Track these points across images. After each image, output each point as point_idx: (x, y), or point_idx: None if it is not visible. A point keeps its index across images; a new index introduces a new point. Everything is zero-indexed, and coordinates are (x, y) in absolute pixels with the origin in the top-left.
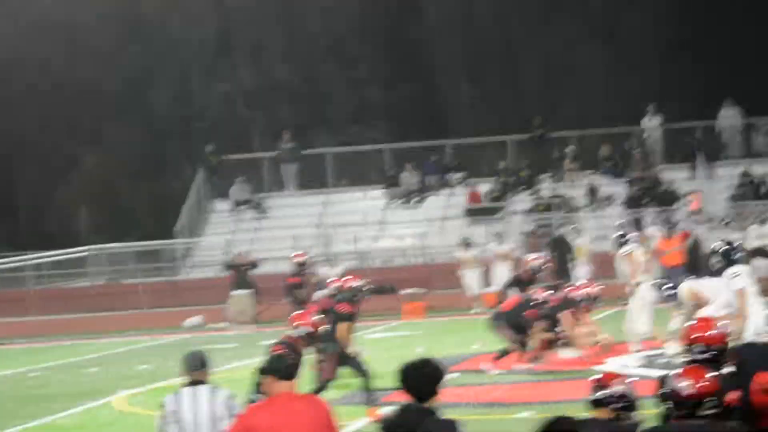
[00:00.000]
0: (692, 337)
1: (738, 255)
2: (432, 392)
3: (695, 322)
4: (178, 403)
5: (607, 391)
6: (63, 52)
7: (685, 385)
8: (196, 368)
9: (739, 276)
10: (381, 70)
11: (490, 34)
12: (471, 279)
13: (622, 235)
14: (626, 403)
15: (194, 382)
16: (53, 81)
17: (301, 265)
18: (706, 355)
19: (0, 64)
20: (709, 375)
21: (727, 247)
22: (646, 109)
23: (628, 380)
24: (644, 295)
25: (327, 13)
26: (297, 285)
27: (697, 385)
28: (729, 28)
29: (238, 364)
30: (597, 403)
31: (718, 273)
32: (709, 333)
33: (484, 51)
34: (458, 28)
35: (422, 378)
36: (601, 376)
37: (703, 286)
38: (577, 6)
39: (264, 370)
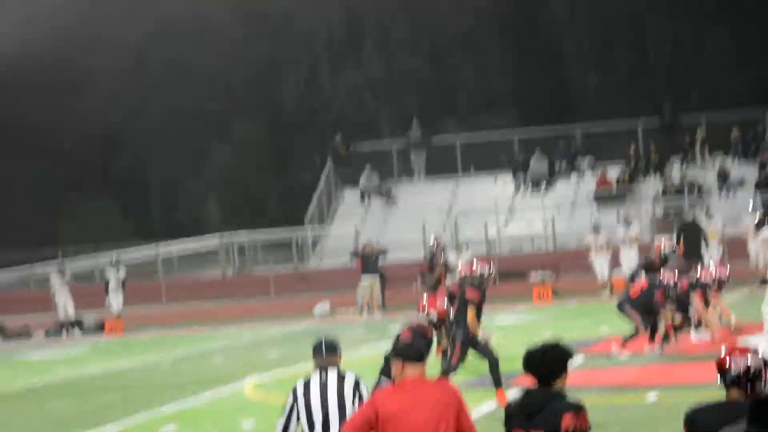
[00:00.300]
0: None
1: None
2: (557, 375)
3: None
4: (307, 388)
5: (734, 368)
6: (191, 47)
7: None
8: (326, 353)
9: None
10: (509, 57)
11: (617, 19)
12: (601, 264)
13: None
14: (754, 376)
15: (323, 368)
16: (182, 75)
17: (434, 250)
18: None
19: (130, 59)
20: None
21: None
22: None
23: (753, 352)
24: None
25: (454, 1)
26: (427, 271)
27: None
28: None
29: (366, 350)
30: (730, 382)
31: None
32: None
33: (612, 36)
34: (585, 13)
35: (547, 361)
36: (725, 353)
37: None
38: None
39: (393, 354)
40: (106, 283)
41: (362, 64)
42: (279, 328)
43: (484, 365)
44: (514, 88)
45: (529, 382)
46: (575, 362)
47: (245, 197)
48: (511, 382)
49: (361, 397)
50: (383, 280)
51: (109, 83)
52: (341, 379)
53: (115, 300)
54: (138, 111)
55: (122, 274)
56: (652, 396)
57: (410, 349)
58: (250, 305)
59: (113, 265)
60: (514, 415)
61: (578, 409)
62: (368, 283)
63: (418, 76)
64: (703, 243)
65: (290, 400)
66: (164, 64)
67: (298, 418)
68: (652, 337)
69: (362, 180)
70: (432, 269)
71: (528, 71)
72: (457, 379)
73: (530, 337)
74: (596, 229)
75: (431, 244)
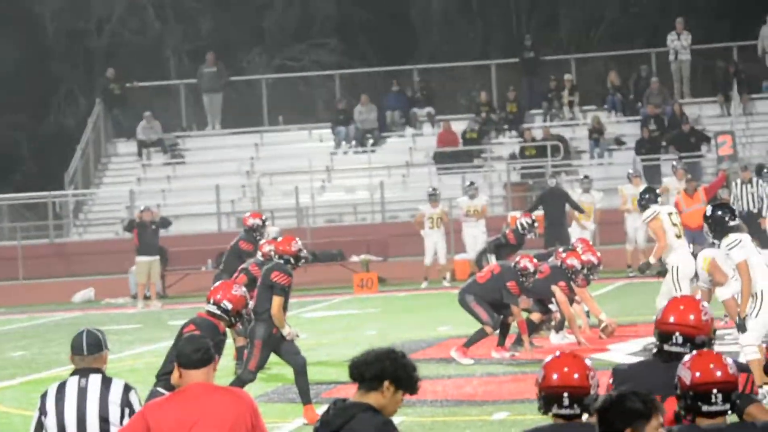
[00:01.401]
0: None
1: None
2: (379, 385)
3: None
4: (60, 395)
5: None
6: None
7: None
8: (87, 352)
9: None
10: None
11: None
12: (435, 242)
13: (647, 192)
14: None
15: (84, 371)
16: None
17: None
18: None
19: None
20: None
21: (719, 211)
22: (670, 26)
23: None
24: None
25: None
26: (249, 253)
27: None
28: None
29: (142, 349)
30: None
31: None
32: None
33: None
34: None
35: (374, 365)
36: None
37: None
38: None
39: (175, 357)
40: None
41: None
42: (28, 320)
43: (289, 371)
44: (338, 14)
45: (338, 393)
46: None
47: None
48: (325, 393)
49: (131, 408)
50: (164, 260)
51: None
52: (106, 385)
53: None
54: None
55: None
56: (501, 414)
57: (192, 349)
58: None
59: None
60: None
61: (384, 428)
62: (145, 263)
63: None
64: (567, 217)
65: (36, 413)
66: None
67: None
68: (502, 340)
69: (140, 129)
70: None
71: None
72: (253, 387)
73: (351, 335)
74: (432, 197)
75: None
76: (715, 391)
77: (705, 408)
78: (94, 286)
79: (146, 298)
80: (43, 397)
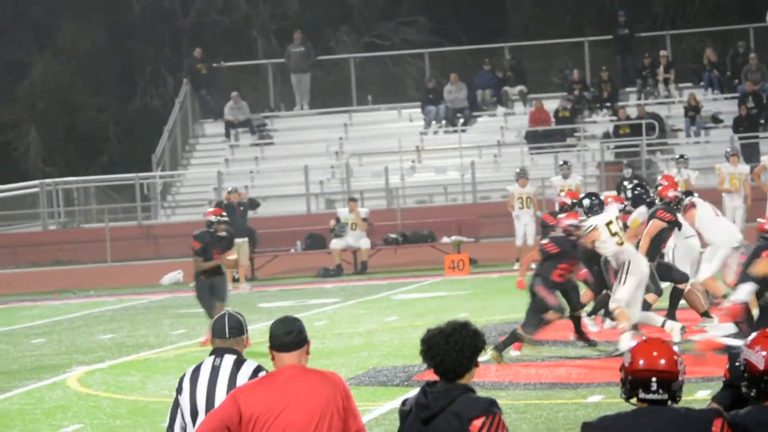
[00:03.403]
0: None
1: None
2: (466, 368)
3: None
4: (196, 374)
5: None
6: None
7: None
8: (229, 334)
9: None
10: None
11: None
12: (527, 224)
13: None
14: None
15: (221, 351)
16: None
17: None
18: None
19: None
20: None
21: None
22: None
23: None
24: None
25: None
26: None
27: None
28: None
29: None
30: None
31: None
32: None
33: None
34: None
35: (452, 349)
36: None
37: None
38: None
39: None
40: None
41: None
42: (116, 303)
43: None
44: None
45: (430, 376)
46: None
47: (74, 128)
48: (417, 377)
49: None
50: (253, 242)
51: None
52: (238, 365)
53: None
54: None
55: None
56: (595, 397)
57: (284, 333)
58: (79, 271)
59: None
60: (408, 419)
61: (491, 411)
62: (234, 245)
63: None
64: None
65: (175, 394)
66: None
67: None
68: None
69: (228, 110)
70: None
71: None
72: (343, 370)
73: (441, 318)
74: (522, 175)
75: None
76: None
77: None
78: (182, 269)
79: (235, 280)
80: (182, 376)
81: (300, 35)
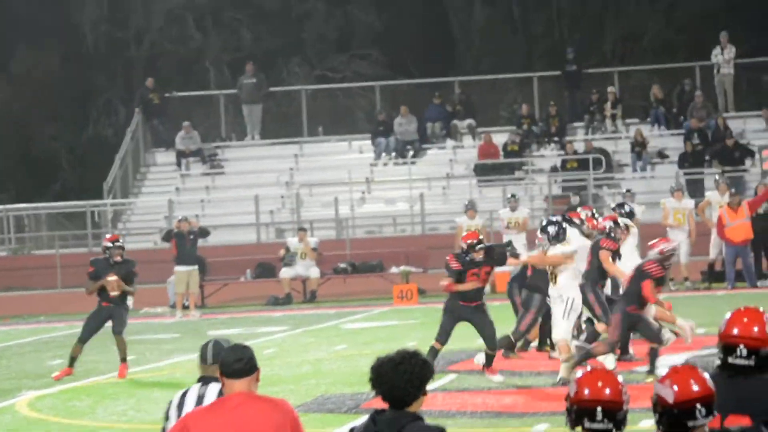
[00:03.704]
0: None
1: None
2: (414, 396)
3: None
4: (182, 400)
5: None
6: None
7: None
8: (213, 362)
9: None
10: None
11: None
12: None
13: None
14: None
15: (207, 379)
16: None
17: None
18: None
19: None
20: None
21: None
22: (715, 40)
23: None
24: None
25: None
26: None
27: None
28: None
29: (181, 358)
30: None
31: None
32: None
33: None
34: None
35: (401, 377)
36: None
37: None
38: None
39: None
40: None
41: None
42: (66, 329)
43: (326, 383)
44: (378, 25)
45: (379, 403)
46: (444, 380)
47: (27, 155)
48: (365, 405)
49: None
50: (203, 270)
51: None
52: (222, 392)
53: None
54: None
55: None
56: (541, 426)
57: (234, 360)
58: (29, 298)
59: None
60: None
61: None
62: (184, 273)
63: (256, 5)
64: None
65: (163, 422)
66: None
67: None
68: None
69: (179, 139)
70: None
71: (397, 4)
72: (291, 398)
73: (389, 346)
74: (470, 207)
75: None
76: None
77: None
78: (133, 296)
79: (185, 307)
80: (169, 403)
81: (252, 67)
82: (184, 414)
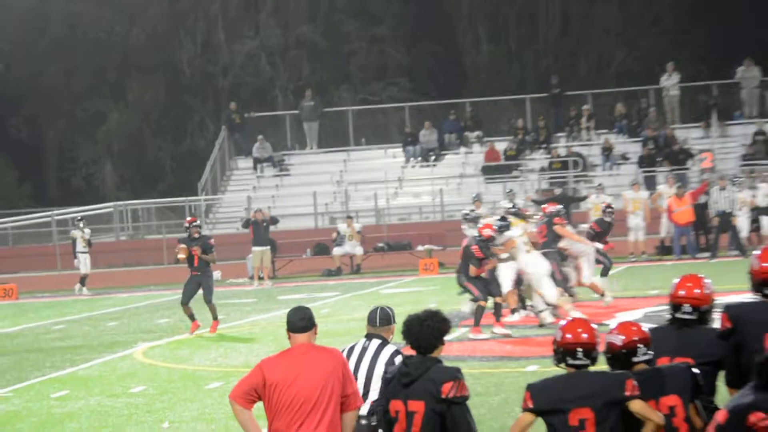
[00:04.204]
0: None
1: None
2: (436, 345)
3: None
4: (350, 352)
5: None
6: (91, 6)
7: (618, 337)
8: (379, 323)
9: None
10: (403, 29)
11: None
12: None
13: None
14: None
15: (371, 335)
16: (81, 34)
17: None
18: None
19: (29, 19)
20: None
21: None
22: (664, 68)
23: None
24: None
25: None
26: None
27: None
28: None
29: (257, 317)
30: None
31: None
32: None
33: (504, 11)
34: None
35: (426, 330)
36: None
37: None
38: None
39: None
40: (73, 244)
41: (259, 32)
42: (171, 296)
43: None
44: (407, 60)
45: (409, 351)
46: (457, 333)
47: (141, 162)
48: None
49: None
50: (274, 249)
51: (6, 44)
52: (381, 347)
53: (83, 260)
54: (35, 72)
55: (87, 234)
56: (532, 367)
57: (297, 318)
58: (143, 272)
59: (77, 226)
60: (392, 383)
61: (457, 377)
62: (259, 252)
63: (313, 46)
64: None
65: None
66: (63, 25)
67: None
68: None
69: (255, 149)
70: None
71: (421, 43)
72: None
73: (416, 307)
74: (478, 199)
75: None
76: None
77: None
78: (221, 270)
79: (260, 278)
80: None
81: (310, 93)
82: (348, 360)
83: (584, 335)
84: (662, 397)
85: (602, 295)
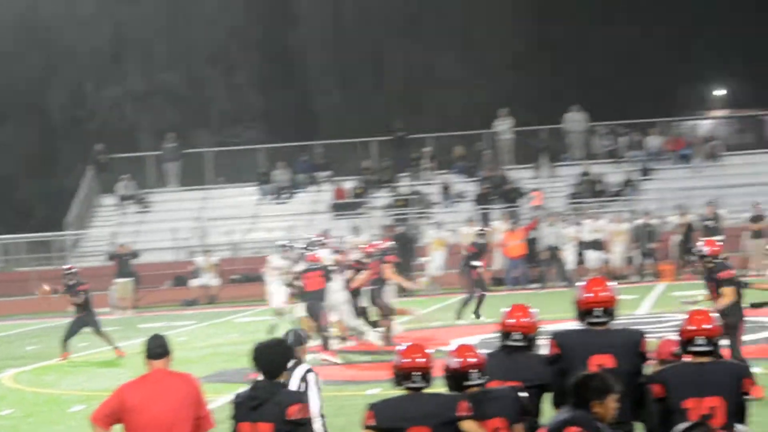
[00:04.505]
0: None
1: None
2: (281, 370)
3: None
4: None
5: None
6: None
7: (455, 361)
8: (294, 345)
9: None
10: (258, 75)
11: (358, 44)
12: None
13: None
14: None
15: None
16: None
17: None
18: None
19: None
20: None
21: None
22: (498, 114)
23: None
24: None
25: (210, 22)
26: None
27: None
28: (576, 41)
29: (120, 345)
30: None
31: None
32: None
33: (353, 59)
34: (330, 37)
35: (272, 357)
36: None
37: None
38: (437, 19)
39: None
40: None
41: (125, 78)
42: (37, 325)
43: (221, 360)
44: (262, 104)
45: (257, 376)
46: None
47: (12, 199)
48: (250, 375)
49: (306, 384)
50: (136, 280)
51: None
52: (295, 365)
53: None
54: None
55: None
56: (373, 390)
57: (154, 346)
58: (13, 302)
59: None
60: (241, 407)
61: (301, 400)
62: (123, 283)
63: (175, 92)
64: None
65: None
66: None
67: None
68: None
69: (119, 187)
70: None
71: (275, 88)
72: (196, 371)
73: (266, 336)
74: (324, 234)
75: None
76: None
77: None
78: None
79: (123, 308)
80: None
81: (173, 135)
82: None
83: (420, 359)
84: (489, 419)
85: (394, 317)
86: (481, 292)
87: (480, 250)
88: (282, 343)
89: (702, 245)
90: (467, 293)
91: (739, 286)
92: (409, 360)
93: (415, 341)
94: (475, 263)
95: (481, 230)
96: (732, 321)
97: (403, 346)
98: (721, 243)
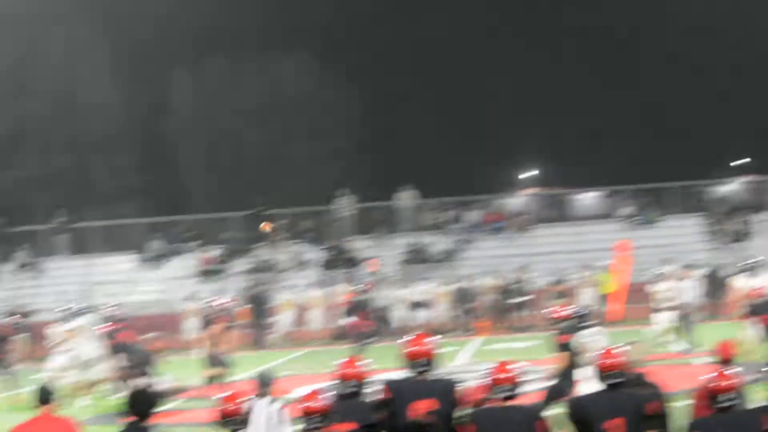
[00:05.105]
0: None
1: None
2: (149, 413)
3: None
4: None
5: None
6: None
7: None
8: (262, 384)
9: None
10: (137, 159)
11: (219, 123)
12: (192, 326)
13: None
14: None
15: (260, 395)
16: None
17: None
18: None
19: None
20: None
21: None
22: (340, 192)
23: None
24: None
25: (95, 112)
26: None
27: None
28: (409, 130)
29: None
30: None
31: None
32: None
33: (220, 145)
34: (202, 125)
35: (143, 402)
36: None
37: None
38: (289, 105)
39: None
40: None
41: (23, 161)
42: None
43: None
44: (141, 184)
45: (132, 418)
46: (174, 404)
47: None
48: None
49: (280, 418)
50: (31, 337)
51: None
52: (270, 403)
53: None
54: None
55: None
56: None
57: (42, 393)
58: None
59: None
60: None
61: None
62: (19, 339)
63: (66, 176)
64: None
65: None
66: None
67: None
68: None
69: (18, 256)
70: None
71: (153, 171)
72: (84, 413)
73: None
74: (192, 298)
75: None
76: None
77: None
78: None
79: (19, 361)
80: None
81: (60, 211)
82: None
83: (232, 408)
84: None
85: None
86: (364, 340)
87: (355, 306)
88: (146, 392)
89: (550, 310)
90: (355, 342)
91: (572, 353)
92: (231, 405)
93: (236, 389)
94: (349, 318)
95: (366, 287)
96: (562, 386)
97: (225, 393)
98: (570, 307)
